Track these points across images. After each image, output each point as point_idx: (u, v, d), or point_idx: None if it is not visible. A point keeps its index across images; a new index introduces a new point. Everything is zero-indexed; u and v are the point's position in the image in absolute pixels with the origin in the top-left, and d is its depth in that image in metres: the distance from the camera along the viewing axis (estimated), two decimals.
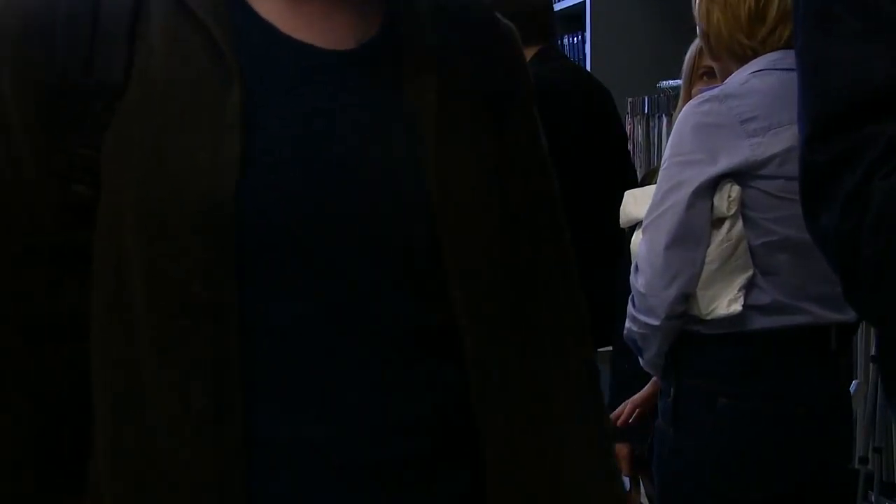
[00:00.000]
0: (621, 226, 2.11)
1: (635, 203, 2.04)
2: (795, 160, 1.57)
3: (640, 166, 4.59)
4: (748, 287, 1.73)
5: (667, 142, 4.33)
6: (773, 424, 1.74)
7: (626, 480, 2.55)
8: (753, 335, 1.75)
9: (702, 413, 1.80)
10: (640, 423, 2.30)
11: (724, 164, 1.69)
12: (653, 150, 4.57)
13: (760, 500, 1.78)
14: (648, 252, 1.75)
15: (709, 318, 1.75)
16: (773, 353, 1.73)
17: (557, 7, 5.03)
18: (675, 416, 1.83)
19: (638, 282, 1.79)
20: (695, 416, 1.81)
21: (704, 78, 2.19)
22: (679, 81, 4.36)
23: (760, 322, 1.74)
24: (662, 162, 1.82)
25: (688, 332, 1.80)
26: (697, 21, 1.92)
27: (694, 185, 1.70)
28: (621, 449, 2.43)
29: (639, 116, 4.64)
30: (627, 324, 1.87)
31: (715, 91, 1.78)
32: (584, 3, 4.83)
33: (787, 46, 1.76)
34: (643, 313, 1.79)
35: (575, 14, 4.94)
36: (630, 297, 1.86)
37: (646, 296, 1.76)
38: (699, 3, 1.90)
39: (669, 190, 1.73)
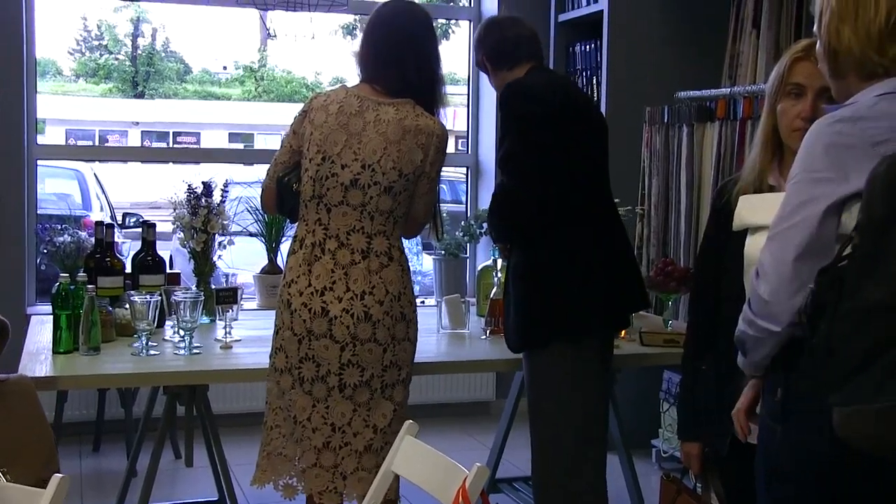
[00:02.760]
0: (734, 229, 2.23)
1: (751, 209, 2.16)
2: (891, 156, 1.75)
3: (658, 174, 4.76)
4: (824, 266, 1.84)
5: (686, 152, 4.51)
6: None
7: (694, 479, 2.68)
8: None
9: (811, 413, 1.87)
10: (714, 422, 2.43)
11: (855, 184, 1.77)
12: (672, 160, 4.73)
13: (865, 499, 1.86)
14: (775, 261, 1.84)
15: None
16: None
17: (575, 14, 5.22)
18: (783, 414, 1.94)
19: (761, 288, 1.88)
20: (803, 416, 1.90)
21: (795, 94, 2.32)
22: (699, 92, 4.58)
23: None
24: (790, 176, 1.91)
25: (796, 336, 1.89)
26: (823, 40, 1.98)
27: (827, 202, 1.79)
28: (692, 448, 2.59)
29: (657, 126, 4.79)
30: (741, 326, 1.96)
31: (846, 112, 1.84)
32: (601, 11, 4.96)
33: None
34: (764, 319, 1.89)
35: (592, 22, 5.09)
36: (747, 300, 1.97)
37: (770, 303, 1.86)
38: (827, 23, 1.96)
39: (801, 204, 1.83)
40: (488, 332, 3.72)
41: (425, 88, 2.98)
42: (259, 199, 3.21)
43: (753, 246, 2.03)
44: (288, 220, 3.92)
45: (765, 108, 2.39)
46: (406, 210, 2.97)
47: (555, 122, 3.01)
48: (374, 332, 2.86)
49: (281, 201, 3.03)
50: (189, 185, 3.95)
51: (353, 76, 3.17)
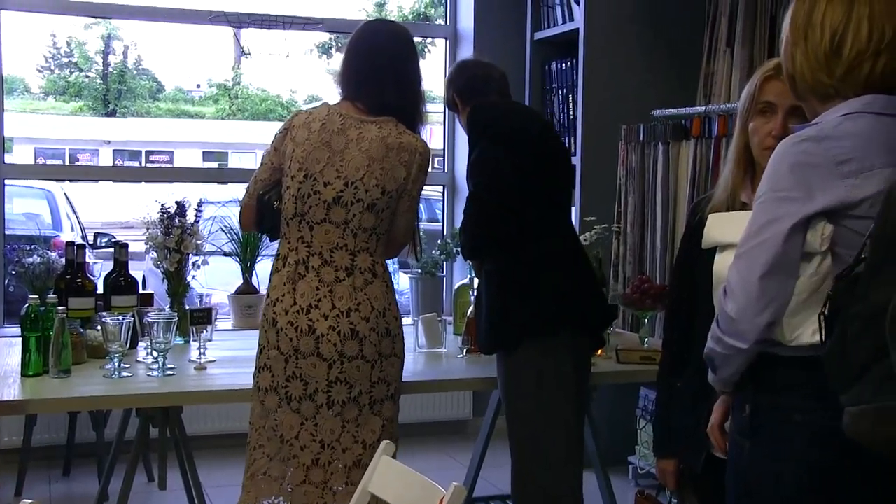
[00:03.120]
0: (703, 247, 2.26)
1: (720, 227, 2.20)
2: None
3: (634, 192, 4.80)
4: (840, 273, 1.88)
5: (662, 170, 4.56)
6: (847, 440, 1.83)
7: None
8: None
9: (778, 428, 1.94)
10: (689, 439, 2.47)
11: (820, 202, 1.84)
12: (647, 178, 4.77)
13: None
14: (742, 280, 1.89)
15: (792, 344, 1.92)
16: None
17: (551, 32, 5.27)
18: (752, 430, 1.99)
19: (728, 306, 1.93)
20: (771, 431, 1.95)
21: (766, 113, 2.36)
22: (674, 111, 4.62)
23: None
24: (757, 196, 1.96)
25: (765, 353, 1.97)
26: (784, 64, 2.07)
27: (792, 220, 1.84)
28: (667, 464, 2.62)
29: (633, 144, 4.83)
30: (710, 343, 2.02)
31: (811, 131, 1.90)
32: (577, 29, 5.00)
33: (869, 85, 1.92)
34: (731, 336, 1.94)
35: (568, 40, 5.14)
36: (715, 318, 2.02)
37: (737, 321, 1.91)
38: (784, 48, 2.05)
39: (767, 223, 1.87)
40: (465, 350, 3.73)
41: (407, 107, 3.02)
42: (237, 217, 3.22)
43: (722, 264, 2.07)
44: (267, 239, 3.93)
45: (737, 127, 2.43)
46: (388, 228, 2.99)
47: (518, 140, 3.16)
48: (361, 349, 2.88)
49: (260, 219, 3.04)
50: (162, 205, 3.94)
51: (328, 94, 3.20)
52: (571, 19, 5.11)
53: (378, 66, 2.99)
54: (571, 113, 5.18)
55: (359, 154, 2.91)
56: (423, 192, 3.08)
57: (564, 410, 3.12)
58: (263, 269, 4.69)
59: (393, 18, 6.74)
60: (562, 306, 3.14)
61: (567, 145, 5.17)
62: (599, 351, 3.66)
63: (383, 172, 2.91)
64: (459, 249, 3.41)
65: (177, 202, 3.98)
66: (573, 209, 4.93)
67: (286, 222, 2.97)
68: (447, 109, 3.36)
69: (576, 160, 5.00)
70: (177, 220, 3.93)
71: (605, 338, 3.42)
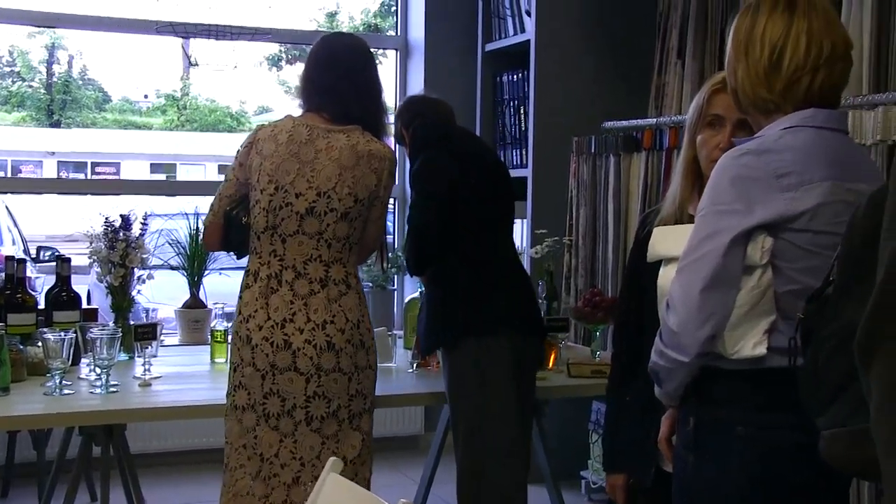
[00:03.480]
0: (648, 260, 2.28)
1: (663, 240, 2.23)
2: (824, 215, 1.89)
3: (586, 205, 4.82)
4: (770, 330, 1.94)
5: (613, 182, 4.59)
6: (789, 452, 1.91)
7: None
8: (771, 371, 1.95)
9: (721, 441, 1.96)
10: (638, 453, 2.47)
11: (759, 215, 1.87)
12: (599, 190, 4.79)
13: None
14: (683, 294, 1.92)
15: (734, 357, 1.96)
16: (789, 388, 1.86)
17: (502, 44, 5.29)
18: (695, 443, 2.01)
19: (670, 320, 1.96)
20: (714, 444, 1.98)
21: (714, 125, 2.37)
22: (625, 122, 4.65)
23: (778, 361, 1.93)
24: (699, 209, 2.00)
25: (707, 366, 2.00)
26: (727, 79, 2.11)
27: (731, 234, 1.87)
28: (617, 479, 2.62)
29: (585, 156, 4.85)
30: (653, 357, 2.04)
31: (752, 144, 1.94)
32: (528, 40, 5.02)
33: (808, 100, 1.96)
34: (673, 350, 1.97)
35: (519, 52, 5.16)
36: (658, 332, 2.05)
37: (678, 334, 1.94)
38: (727, 63, 2.09)
39: (708, 237, 1.90)
40: (415, 365, 3.72)
41: (371, 116, 3.05)
42: (201, 236, 3.19)
43: (665, 277, 2.09)
44: (214, 253, 3.91)
45: (685, 139, 2.45)
46: (360, 237, 3.00)
47: (460, 151, 3.35)
48: (337, 362, 2.88)
49: (227, 235, 3.02)
50: (106, 218, 3.90)
51: (278, 105, 3.21)
52: (523, 31, 5.13)
53: (340, 77, 3.01)
54: (523, 125, 5.20)
55: (329, 164, 2.91)
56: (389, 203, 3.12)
57: (506, 406, 3.19)
58: (211, 284, 4.67)
59: (344, 29, 6.73)
60: (502, 305, 3.25)
61: (519, 158, 5.19)
62: (551, 363, 3.68)
63: (355, 181, 2.92)
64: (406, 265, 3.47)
65: (121, 215, 3.94)
66: (524, 221, 4.95)
67: (256, 236, 2.96)
68: (396, 142, 3.47)
69: (527, 172, 5.02)
70: (121, 234, 3.89)
71: (552, 339, 3.62)
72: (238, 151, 3.03)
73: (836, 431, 1.63)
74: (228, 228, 3.00)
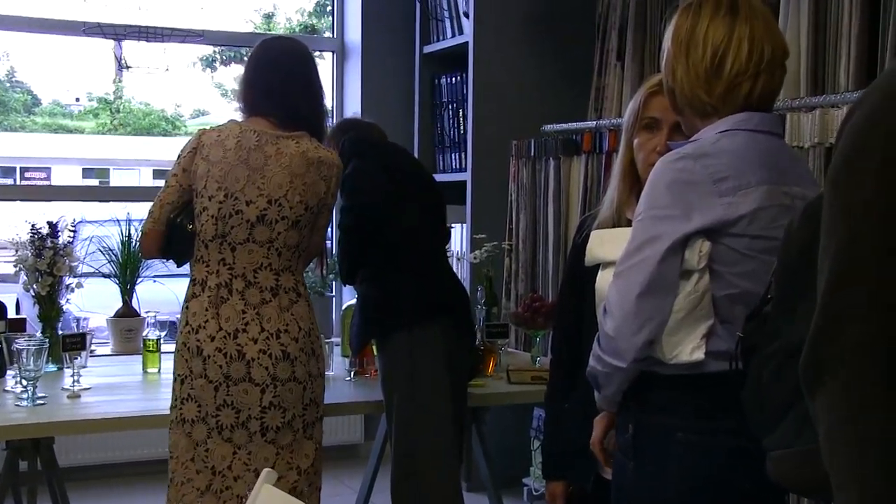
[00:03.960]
0: (586, 264, 2.28)
1: (601, 244, 2.22)
2: (761, 220, 1.89)
3: (525, 209, 4.83)
4: (708, 335, 1.95)
5: (553, 185, 4.59)
6: (730, 457, 1.92)
7: None
8: (710, 376, 1.95)
9: (660, 447, 1.97)
10: (577, 460, 2.46)
11: (697, 221, 1.87)
12: (539, 193, 4.80)
13: None
14: (620, 299, 1.92)
15: (672, 362, 1.96)
16: (728, 393, 1.86)
17: (440, 46, 5.28)
18: (634, 450, 2.01)
19: (607, 325, 1.95)
20: (654, 450, 1.98)
21: (651, 128, 2.37)
22: (565, 125, 4.66)
23: (716, 366, 1.93)
24: (636, 214, 2.00)
25: (645, 372, 2.00)
26: (664, 78, 2.11)
27: (669, 240, 1.87)
28: (556, 486, 2.62)
29: (524, 159, 4.86)
30: (591, 362, 2.04)
31: (688, 149, 1.94)
32: (466, 42, 5.02)
33: (746, 105, 1.97)
34: (610, 355, 1.97)
35: (458, 54, 5.15)
36: (596, 336, 2.05)
37: (615, 339, 1.94)
38: (665, 61, 2.09)
39: (645, 242, 1.90)
40: (353, 373, 3.70)
41: (315, 120, 3.05)
42: (138, 244, 3.14)
43: (603, 281, 2.09)
44: (148, 261, 3.85)
45: (622, 142, 2.45)
46: (308, 244, 3.00)
47: (389, 160, 3.43)
48: (293, 371, 2.87)
49: (168, 243, 2.97)
50: (33, 225, 3.82)
51: (214, 108, 3.17)
52: (461, 32, 5.13)
53: (283, 80, 3.00)
54: (461, 128, 5.19)
55: (280, 171, 2.89)
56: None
57: (439, 398, 3.23)
58: (144, 291, 4.60)
59: (281, 31, 6.68)
60: (432, 297, 3.31)
61: (457, 161, 5.19)
62: (490, 369, 3.69)
63: (306, 188, 2.91)
64: (338, 274, 3.51)
65: (49, 222, 3.86)
66: (463, 226, 4.94)
67: (204, 245, 2.91)
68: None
69: (466, 176, 5.02)
70: (49, 242, 3.82)
71: (491, 345, 3.70)
72: (180, 156, 2.97)
73: (783, 452, 1.62)
74: (171, 236, 2.95)
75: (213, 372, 2.84)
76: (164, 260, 3.10)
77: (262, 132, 2.94)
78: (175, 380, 2.92)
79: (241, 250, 2.88)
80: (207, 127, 3.04)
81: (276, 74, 3.01)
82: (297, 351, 2.88)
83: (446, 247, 3.62)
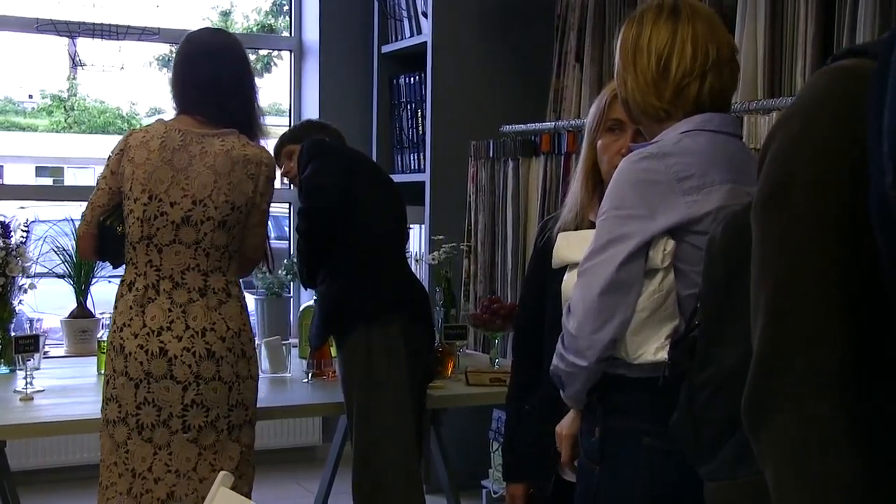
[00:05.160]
0: (553, 266, 2.29)
1: (568, 246, 2.24)
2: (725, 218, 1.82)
3: (484, 210, 4.83)
4: (672, 335, 1.94)
5: (512, 186, 4.60)
6: None
7: None
8: (676, 379, 1.89)
9: (627, 451, 1.97)
10: (537, 462, 2.46)
11: (662, 221, 1.89)
12: (497, 195, 4.80)
13: None
14: (582, 297, 1.93)
15: (636, 362, 1.96)
16: None
17: (398, 46, 5.27)
18: (601, 454, 2.01)
19: (569, 324, 1.96)
20: (621, 455, 1.98)
21: (615, 130, 2.36)
22: (523, 126, 4.67)
23: (683, 368, 1.90)
24: (600, 213, 2.01)
25: (612, 375, 2.00)
26: (618, 89, 2.13)
27: (635, 240, 1.89)
28: (516, 489, 2.60)
29: (483, 160, 4.86)
30: (555, 361, 2.04)
31: (652, 149, 1.96)
32: (425, 42, 5.01)
33: (698, 106, 1.99)
34: (572, 353, 1.97)
35: (416, 54, 5.14)
36: (560, 335, 2.04)
37: (577, 338, 1.94)
38: (617, 74, 2.12)
39: (610, 241, 1.91)
40: (310, 375, 3.68)
41: (244, 117, 2.99)
42: (75, 246, 3.11)
43: (568, 282, 2.10)
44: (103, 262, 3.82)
45: (584, 144, 2.45)
46: (239, 244, 2.95)
47: (349, 161, 3.40)
48: (217, 370, 2.83)
49: (101, 246, 2.94)
50: None
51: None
52: (419, 32, 5.12)
53: (215, 76, 2.95)
54: (420, 128, 5.18)
55: (204, 170, 2.85)
56: (270, 209, 3.07)
57: (396, 393, 3.21)
58: (99, 292, 4.56)
59: (238, 30, 6.64)
60: (390, 292, 3.30)
61: (416, 162, 5.18)
62: (449, 371, 3.69)
63: (231, 188, 2.87)
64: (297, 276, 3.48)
65: (0, 222, 3.82)
66: (422, 227, 4.94)
67: (132, 246, 2.89)
68: (292, 116, 3.43)
69: (424, 177, 5.01)
70: (1, 242, 3.77)
71: (449, 347, 3.68)
72: (109, 158, 2.95)
73: (724, 484, 1.61)
74: (102, 238, 2.93)
75: (134, 369, 2.81)
76: (101, 262, 3.09)
77: (186, 131, 2.91)
78: (103, 380, 2.92)
79: (168, 252, 2.86)
80: (139, 127, 3.01)
81: (202, 68, 2.97)
82: (224, 350, 2.85)
83: (405, 248, 3.61)
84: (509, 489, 2.64)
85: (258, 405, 3.35)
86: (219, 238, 2.87)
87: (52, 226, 4.81)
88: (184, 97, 2.98)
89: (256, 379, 3.00)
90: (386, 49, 5.39)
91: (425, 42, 5.02)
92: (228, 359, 2.85)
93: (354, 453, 3.25)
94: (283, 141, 3.59)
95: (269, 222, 3.18)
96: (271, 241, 3.21)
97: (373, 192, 3.36)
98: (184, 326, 2.82)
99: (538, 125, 4.70)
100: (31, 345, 3.43)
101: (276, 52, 6.77)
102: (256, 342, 4.31)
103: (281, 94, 5.99)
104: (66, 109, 13.93)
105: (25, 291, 3.89)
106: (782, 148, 1.19)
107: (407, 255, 3.67)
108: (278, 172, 3.32)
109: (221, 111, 2.94)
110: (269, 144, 3.34)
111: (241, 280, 3.03)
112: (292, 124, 5.74)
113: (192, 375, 2.81)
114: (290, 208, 5.72)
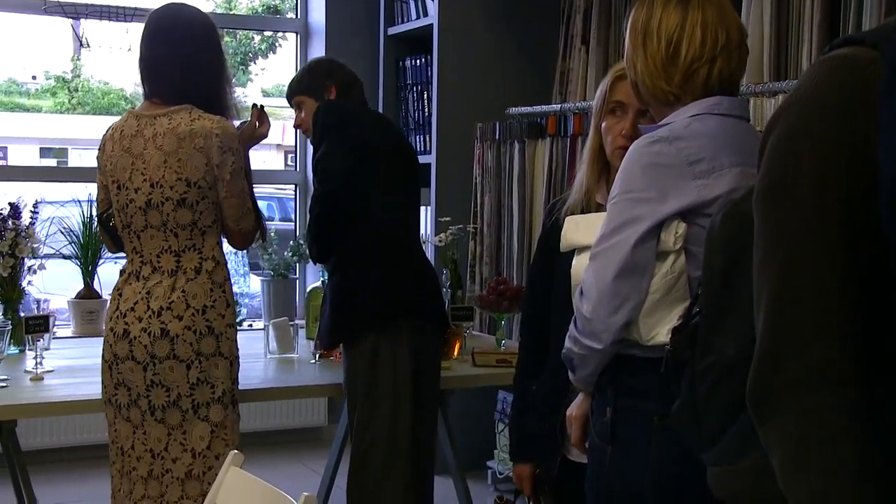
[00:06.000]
0: (561, 249, 2.31)
1: (577, 229, 2.25)
2: (725, 206, 1.84)
3: (490, 191, 4.85)
4: (685, 315, 1.93)
5: (518, 168, 4.62)
6: None
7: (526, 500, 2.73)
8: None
9: (638, 432, 1.99)
10: (544, 443, 2.49)
11: (673, 204, 1.91)
12: (503, 176, 4.82)
13: None
14: (596, 280, 1.95)
15: (649, 343, 1.98)
16: None
17: (405, 28, 5.27)
18: (612, 434, 2.03)
19: (583, 307, 1.98)
20: (632, 435, 2.00)
21: (617, 112, 2.39)
22: (530, 108, 4.69)
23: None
24: (610, 197, 2.03)
25: (623, 356, 2.02)
26: (627, 71, 2.15)
27: (647, 222, 1.91)
28: (523, 469, 2.63)
29: (489, 142, 4.87)
30: (567, 343, 2.07)
31: (662, 132, 1.98)
32: (431, 24, 5.02)
33: (707, 90, 2.01)
34: (586, 336, 1.99)
35: (422, 36, 5.15)
36: (573, 318, 2.06)
37: (591, 321, 1.96)
38: (626, 56, 2.13)
39: (622, 224, 1.93)
40: (318, 355, 3.71)
41: (201, 91, 2.95)
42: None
43: (579, 265, 2.12)
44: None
45: (591, 127, 2.48)
46: (215, 218, 2.94)
47: (366, 142, 3.26)
48: (172, 349, 2.84)
49: (112, 239, 3.06)
50: None
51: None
52: (426, 14, 5.13)
53: (163, 53, 2.94)
54: (426, 110, 5.20)
55: (156, 152, 2.88)
56: (274, 191, 3.08)
57: (400, 404, 3.18)
58: (105, 273, 4.58)
59: (243, 12, 6.65)
60: (402, 297, 3.24)
61: (422, 144, 5.20)
62: (455, 353, 3.71)
63: (181, 164, 2.86)
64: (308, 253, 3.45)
65: (10, 203, 3.84)
66: (428, 209, 4.96)
67: (122, 236, 2.98)
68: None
69: (430, 159, 5.02)
70: (10, 223, 3.79)
71: (456, 328, 3.63)
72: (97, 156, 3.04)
73: (729, 470, 1.62)
74: (107, 232, 3.05)
75: (107, 351, 2.90)
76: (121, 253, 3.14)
77: (141, 115, 2.94)
78: None
79: (145, 237, 2.91)
80: None
81: (155, 47, 2.96)
82: (181, 329, 2.83)
83: (419, 230, 3.55)
84: (516, 469, 2.67)
85: (264, 385, 3.40)
86: (182, 216, 2.87)
87: (59, 207, 4.83)
88: (145, 82, 3.00)
89: (230, 357, 2.93)
90: (392, 31, 5.40)
91: (431, 24, 5.03)
92: (186, 337, 2.83)
93: (352, 449, 3.26)
94: (293, 91, 3.47)
95: (274, 204, 3.18)
96: (275, 224, 3.20)
97: (386, 173, 3.27)
98: (145, 307, 2.86)
99: (544, 107, 4.71)
100: (41, 325, 3.46)
101: (281, 34, 6.78)
102: (264, 323, 4.36)
103: (286, 76, 6.00)
104: (70, 90, 13.91)
105: (34, 272, 3.91)
106: (782, 139, 1.20)
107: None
108: (290, 124, 3.21)
109: (174, 90, 2.92)
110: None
111: (246, 262, 3.05)
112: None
113: (148, 356, 2.84)
114: (295, 189, 5.73)
